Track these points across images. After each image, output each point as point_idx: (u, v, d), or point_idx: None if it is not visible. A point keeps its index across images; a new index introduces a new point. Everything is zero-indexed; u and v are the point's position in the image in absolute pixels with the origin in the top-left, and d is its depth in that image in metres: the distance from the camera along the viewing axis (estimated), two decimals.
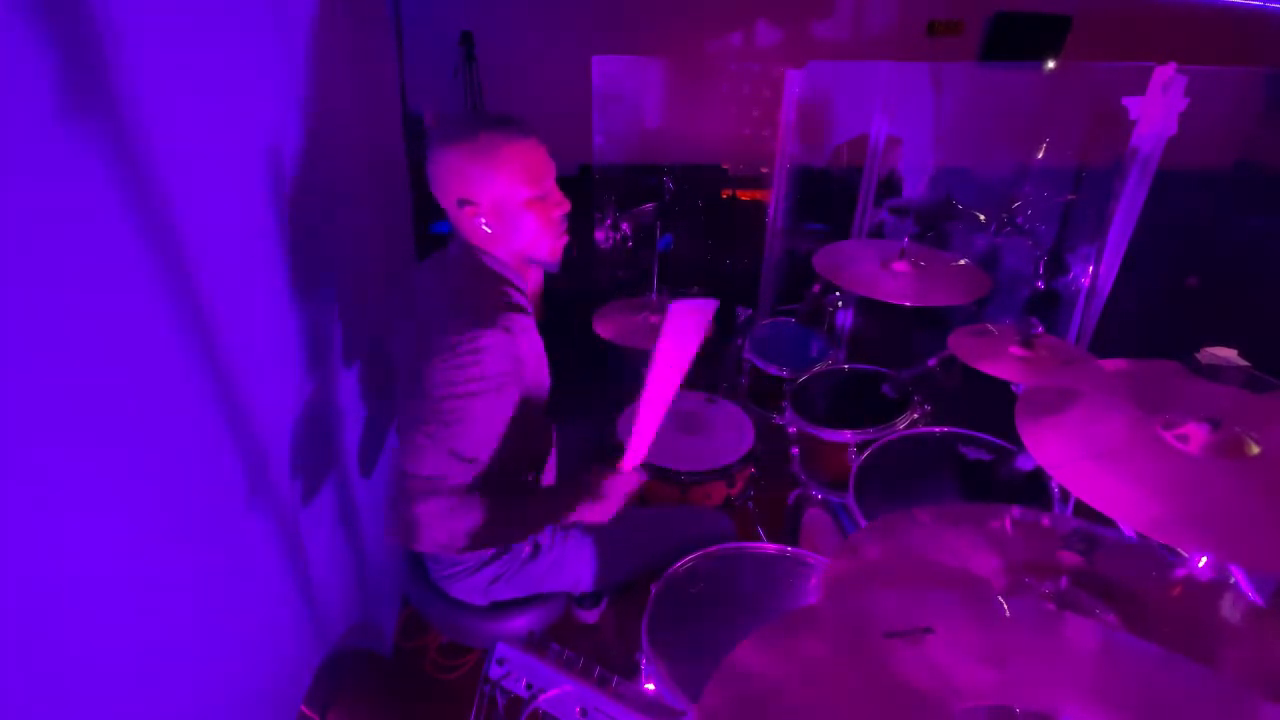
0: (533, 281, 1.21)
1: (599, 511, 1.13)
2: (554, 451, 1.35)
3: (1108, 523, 0.89)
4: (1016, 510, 0.91)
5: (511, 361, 1.03)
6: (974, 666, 0.59)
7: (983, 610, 0.66)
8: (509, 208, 1.07)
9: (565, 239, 1.15)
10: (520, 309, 1.10)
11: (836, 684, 0.58)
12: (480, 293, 1.07)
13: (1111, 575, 0.83)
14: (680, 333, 1.05)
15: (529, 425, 1.15)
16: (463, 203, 1.06)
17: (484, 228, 1.08)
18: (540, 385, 1.17)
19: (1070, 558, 0.84)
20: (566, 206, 1.13)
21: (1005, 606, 0.65)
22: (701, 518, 1.44)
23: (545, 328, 1.56)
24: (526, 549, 1.25)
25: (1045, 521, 0.89)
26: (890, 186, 3.19)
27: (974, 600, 0.69)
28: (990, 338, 1.45)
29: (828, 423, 1.68)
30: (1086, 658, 0.60)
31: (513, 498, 1.09)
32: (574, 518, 1.13)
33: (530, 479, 1.26)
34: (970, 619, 0.64)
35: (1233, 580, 1.06)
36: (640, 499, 1.65)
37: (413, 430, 1.01)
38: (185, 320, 0.82)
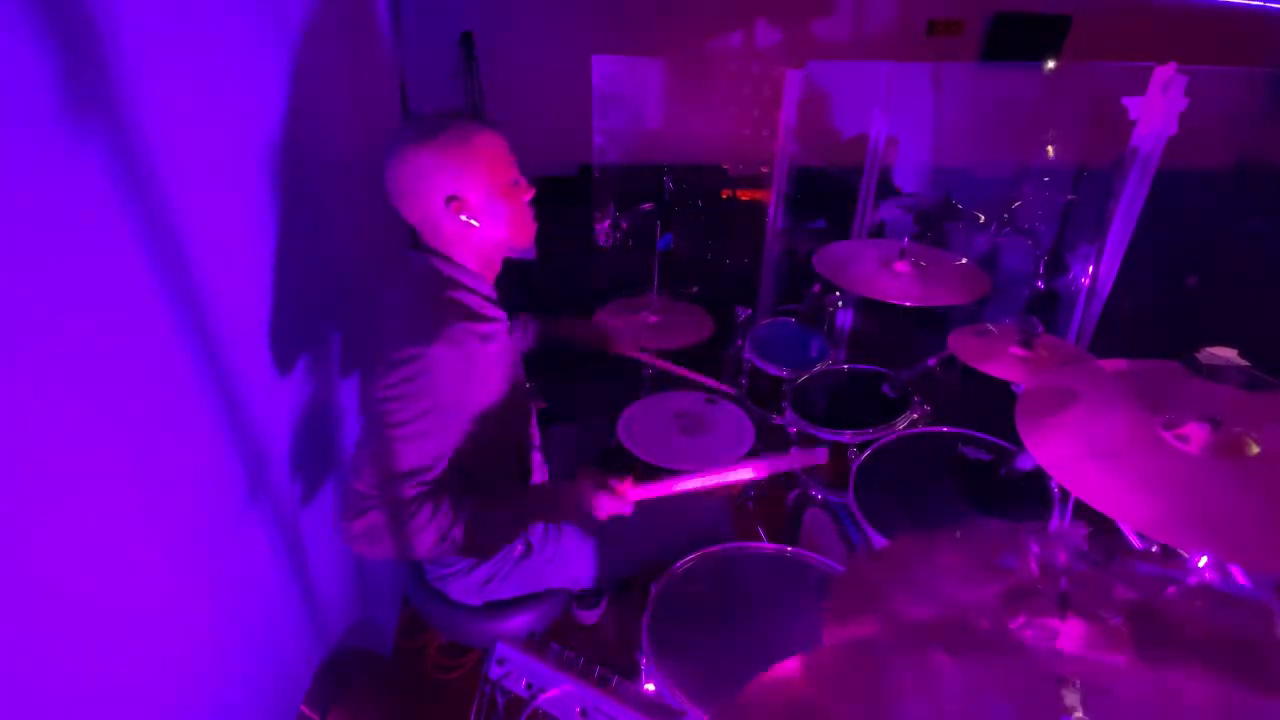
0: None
1: (584, 516, 1.13)
2: (538, 445, 1.35)
3: (1108, 525, 0.89)
4: (1036, 545, 0.89)
5: (457, 373, 1.01)
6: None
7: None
8: (492, 196, 1.07)
9: (536, 225, 1.16)
10: (477, 315, 1.09)
11: None
12: (428, 305, 1.05)
13: (1119, 581, 0.82)
14: (770, 468, 1.20)
15: (506, 421, 1.15)
16: (450, 199, 1.04)
17: (471, 222, 1.07)
18: (510, 386, 1.15)
19: (1076, 566, 0.84)
20: (532, 191, 1.14)
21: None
22: (701, 513, 1.45)
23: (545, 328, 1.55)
24: (519, 547, 1.25)
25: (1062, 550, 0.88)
26: (892, 186, 3.19)
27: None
28: (990, 338, 1.45)
29: (828, 423, 1.68)
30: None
31: (498, 495, 1.11)
32: (566, 512, 1.15)
33: (515, 473, 1.26)
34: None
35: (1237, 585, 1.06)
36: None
37: (364, 448, 1.00)
38: (185, 320, 0.82)
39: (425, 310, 1.04)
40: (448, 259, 1.09)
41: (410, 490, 0.99)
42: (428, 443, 1.00)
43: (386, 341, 1.01)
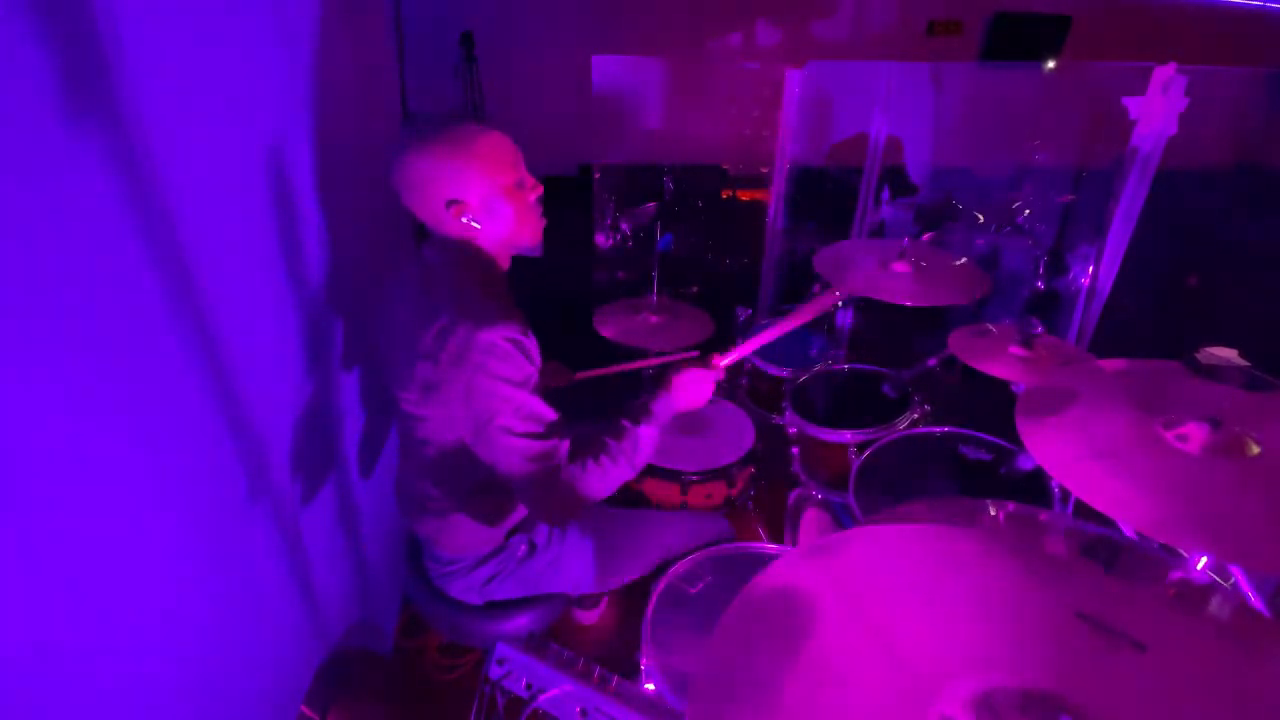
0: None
1: (692, 397, 1.21)
2: None
3: (1107, 523, 0.89)
4: (1011, 505, 0.91)
5: (523, 343, 1.04)
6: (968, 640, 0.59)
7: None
8: (493, 198, 1.08)
9: (544, 222, 1.16)
10: (509, 296, 1.13)
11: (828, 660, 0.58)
12: (488, 289, 1.08)
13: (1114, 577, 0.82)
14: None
15: None
16: (451, 203, 1.05)
17: (472, 224, 1.08)
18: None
19: (1052, 540, 0.84)
20: (540, 190, 1.14)
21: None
22: (702, 520, 1.45)
23: (545, 327, 1.55)
24: (522, 548, 1.25)
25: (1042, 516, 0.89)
26: (900, 185, 3.18)
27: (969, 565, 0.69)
28: (990, 338, 1.45)
29: (828, 423, 1.68)
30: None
31: (609, 433, 1.13)
32: (673, 410, 1.20)
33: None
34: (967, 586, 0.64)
35: (1235, 585, 1.06)
36: (640, 500, 1.66)
37: (493, 439, 1.03)
38: (185, 320, 0.82)
39: (474, 293, 1.06)
40: (474, 245, 1.11)
41: (563, 449, 1.06)
42: (539, 402, 1.05)
43: (453, 333, 1.00)
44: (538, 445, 1.03)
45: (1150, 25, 5.10)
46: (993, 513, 0.88)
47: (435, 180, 1.04)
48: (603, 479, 1.09)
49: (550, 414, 1.06)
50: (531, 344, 1.05)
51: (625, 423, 1.14)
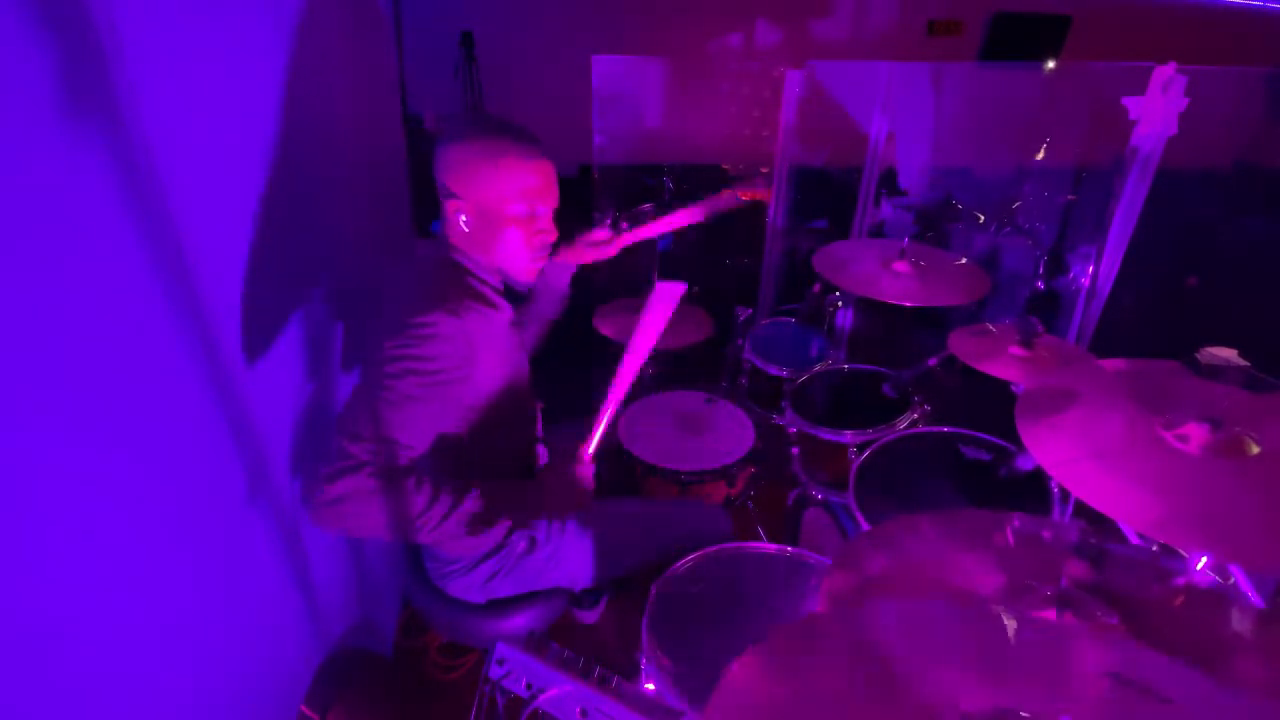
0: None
1: (565, 503, 1.11)
2: (540, 445, 1.35)
3: (1108, 525, 0.89)
4: (1018, 520, 0.91)
5: (462, 346, 1.01)
6: (976, 681, 0.58)
7: (985, 624, 0.65)
8: (492, 215, 1.07)
9: (541, 263, 1.16)
10: (482, 298, 1.09)
11: (838, 702, 0.58)
12: (439, 279, 1.07)
13: (1114, 580, 0.83)
14: (662, 313, 1.10)
15: (506, 417, 1.15)
16: (447, 194, 1.06)
17: (462, 225, 1.08)
18: (511, 376, 1.16)
19: (1072, 563, 0.84)
20: (552, 236, 1.13)
21: (1009, 625, 0.64)
22: (702, 513, 1.45)
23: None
24: (522, 544, 1.25)
25: (1046, 531, 0.89)
26: (893, 184, 3.19)
27: (977, 615, 0.69)
28: (990, 338, 1.45)
29: (828, 423, 1.68)
30: (1091, 673, 0.60)
31: (454, 490, 1.02)
32: (541, 515, 1.11)
33: (516, 472, 1.26)
34: (973, 633, 0.64)
35: (1235, 585, 1.06)
36: (641, 495, 1.66)
37: (360, 411, 0.97)
38: (185, 320, 0.82)
39: (433, 285, 1.05)
40: (457, 248, 1.11)
41: (403, 459, 0.98)
42: (422, 414, 0.98)
43: (392, 312, 1.01)
44: (363, 442, 0.95)
45: (1150, 25, 5.10)
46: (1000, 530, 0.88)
47: (446, 166, 1.05)
48: (382, 514, 0.96)
49: (402, 434, 0.97)
50: (446, 341, 0.99)
51: (470, 495, 1.03)
